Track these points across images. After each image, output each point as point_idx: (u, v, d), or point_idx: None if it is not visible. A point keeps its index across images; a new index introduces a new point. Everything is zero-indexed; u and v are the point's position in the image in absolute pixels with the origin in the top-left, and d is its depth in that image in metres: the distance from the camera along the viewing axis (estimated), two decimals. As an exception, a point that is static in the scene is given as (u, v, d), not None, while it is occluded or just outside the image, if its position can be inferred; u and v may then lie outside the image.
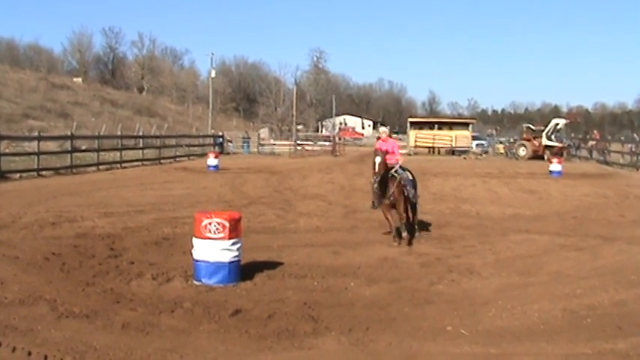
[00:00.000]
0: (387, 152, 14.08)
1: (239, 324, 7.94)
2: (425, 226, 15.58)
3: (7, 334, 7.27)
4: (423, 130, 66.06)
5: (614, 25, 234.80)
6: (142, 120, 78.61)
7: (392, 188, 13.87)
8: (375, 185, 13.97)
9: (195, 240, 9.91)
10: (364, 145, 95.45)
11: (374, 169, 13.85)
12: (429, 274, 10.89)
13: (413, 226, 14.59)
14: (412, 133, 65.06)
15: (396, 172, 14.15)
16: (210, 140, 61.49)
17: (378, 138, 15.26)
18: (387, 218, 14.17)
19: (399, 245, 13.49)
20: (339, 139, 75.84)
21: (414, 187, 14.71)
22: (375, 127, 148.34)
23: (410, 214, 14.57)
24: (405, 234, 13.74)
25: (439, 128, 66.20)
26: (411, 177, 14.61)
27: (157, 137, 50.19)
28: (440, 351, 7.18)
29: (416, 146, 63.74)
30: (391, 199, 13.91)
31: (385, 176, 13.89)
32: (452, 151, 62.94)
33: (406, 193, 14.12)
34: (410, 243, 13.67)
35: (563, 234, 15.12)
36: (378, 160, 13.74)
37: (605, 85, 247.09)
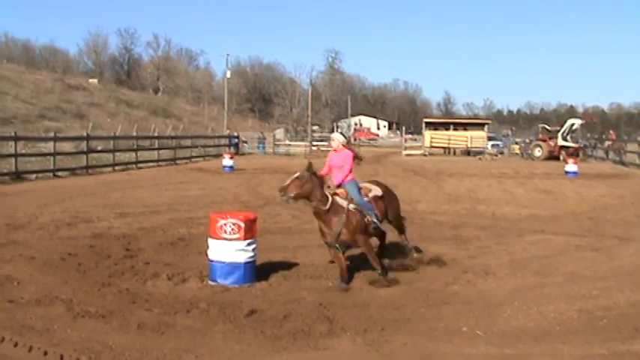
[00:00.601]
0: (323, 176, 10.41)
1: (254, 324, 7.95)
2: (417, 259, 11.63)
3: (23, 334, 7.31)
4: (438, 130, 65.97)
5: (631, 25, 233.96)
6: (158, 121, 78.77)
7: (338, 224, 10.08)
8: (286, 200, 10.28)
9: (210, 240, 9.93)
10: (379, 145, 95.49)
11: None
12: (445, 274, 10.87)
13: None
14: (427, 134, 64.97)
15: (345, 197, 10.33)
16: (226, 141, 61.56)
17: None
18: (338, 262, 10.45)
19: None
20: (355, 139, 75.78)
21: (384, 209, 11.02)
22: (390, 127, 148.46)
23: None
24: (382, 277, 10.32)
25: (454, 129, 66.07)
26: (379, 193, 10.99)
27: (172, 138, 50.35)
28: (455, 352, 7.17)
29: (431, 147, 63.67)
30: (342, 239, 10.18)
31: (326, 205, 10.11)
32: (467, 152, 62.81)
33: (367, 220, 10.36)
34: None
35: (579, 234, 15.05)
36: (293, 177, 10.11)
37: (621, 85, 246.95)
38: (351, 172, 10.65)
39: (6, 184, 25.10)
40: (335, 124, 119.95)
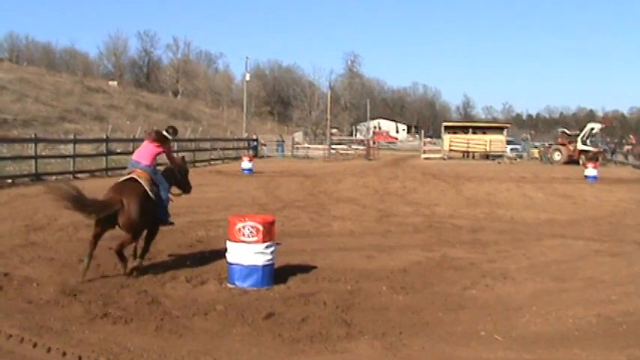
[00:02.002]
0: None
1: (272, 327, 7.95)
2: None
3: (42, 335, 7.34)
4: (457, 134, 65.85)
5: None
6: (177, 123, 78.33)
7: None
8: None
9: (229, 243, 9.94)
10: (398, 149, 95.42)
11: None
12: (463, 278, 10.84)
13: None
14: (446, 138, 64.85)
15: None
16: (245, 143, 61.72)
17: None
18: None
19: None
20: (373, 143, 75.77)
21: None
22: (409, 131, 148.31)
23: None
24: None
25: (473, 132, 65.92)
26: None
27: (191, 140, 50.44)
28: (473, 356, 7.16)
29: (450, 150, 63.53)
30: None
31: None
32: (486, 156, 62.66)
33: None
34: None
35: (599, 239, 14.99)
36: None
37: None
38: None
39: (26, 186, 25.23)
40: (354, 128, 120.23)
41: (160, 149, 11.41)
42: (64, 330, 7.57)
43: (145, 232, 11.07)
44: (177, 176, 11.97)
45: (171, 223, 11.74)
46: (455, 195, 25.73)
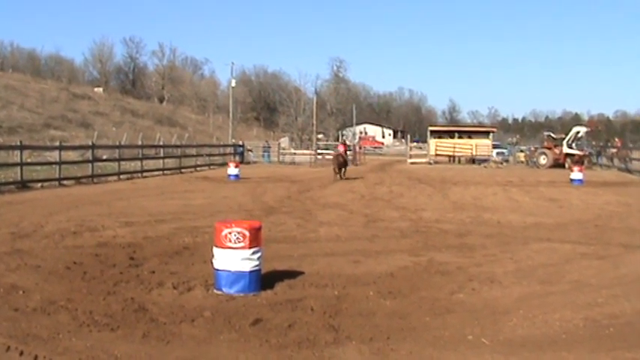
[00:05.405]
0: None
1: (259, 333, 7.93)
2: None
3: (28, 343, 7.31)
4: (443, 138, 66.06)
5: (636, 33, 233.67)
6: (163, 130, 79.08)
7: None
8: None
9: (215, 249, 9.90)
10: (384, 154, 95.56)
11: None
12: (450, 283, 10.84)
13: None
14: (432, 142, 65.06)
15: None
16: (231, 149, 61.72)
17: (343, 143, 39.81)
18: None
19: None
20: (360, 148, 75.83)
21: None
22: (395, 135, 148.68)
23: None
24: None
25: (459, 137, 66.13)
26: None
27: (177, 147, 50.46)
28: (461, 360, 7.16)
29: (436, 155, 63.68)
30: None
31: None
32: (472, 160, 62.84)
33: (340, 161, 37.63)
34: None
35: (585, 242, 15.01)
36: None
37: (626, 93, 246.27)
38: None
39: (12, 193, 25.18)
40: (340, 133, 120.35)
41: (344, 147, 42.92)
42: (51, 338, 7.53)
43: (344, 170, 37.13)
44: (349, 154, 37.70)
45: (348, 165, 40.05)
46: (441, 199, 25.77)
